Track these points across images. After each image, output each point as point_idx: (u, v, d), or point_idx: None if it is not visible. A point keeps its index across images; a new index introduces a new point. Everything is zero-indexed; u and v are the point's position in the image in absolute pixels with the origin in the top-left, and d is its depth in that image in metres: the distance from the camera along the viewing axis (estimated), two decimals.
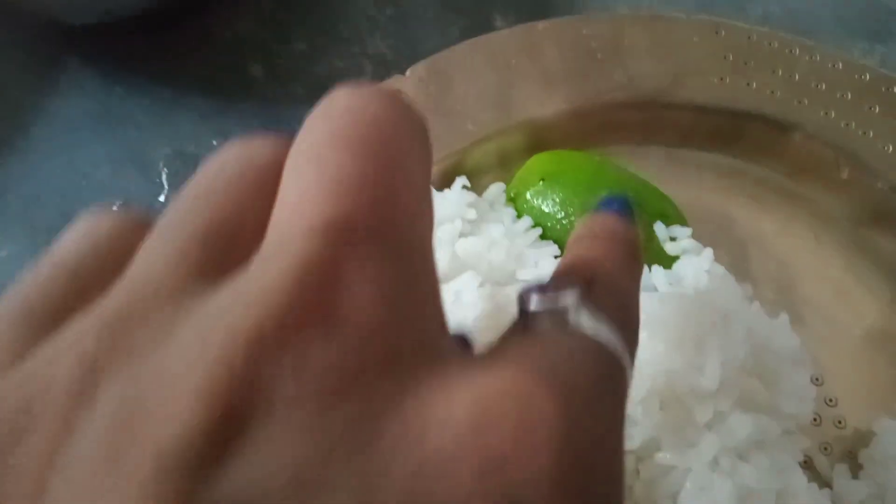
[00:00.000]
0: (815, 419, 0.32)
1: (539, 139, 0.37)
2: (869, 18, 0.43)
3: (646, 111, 0.37)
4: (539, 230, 0.32)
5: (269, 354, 0.10)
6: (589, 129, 0.37)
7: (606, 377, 0.13)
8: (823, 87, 0.37)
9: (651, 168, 0.37)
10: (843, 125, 0.36)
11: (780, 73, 0.37)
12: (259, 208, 0.13)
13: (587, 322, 0.14)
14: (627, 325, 0.15)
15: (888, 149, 0.36)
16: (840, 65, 0.37)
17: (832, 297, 0.35)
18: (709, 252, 0.32)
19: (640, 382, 0.28)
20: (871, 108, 0.36)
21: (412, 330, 0.11)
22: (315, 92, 0.43)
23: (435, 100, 0.37)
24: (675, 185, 0.37)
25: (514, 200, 0.34)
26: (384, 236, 0.11)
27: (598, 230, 0.18)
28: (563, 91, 0.37)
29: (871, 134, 0.36)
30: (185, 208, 0.13)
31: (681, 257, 0.33)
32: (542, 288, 0.15)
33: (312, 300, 0.10)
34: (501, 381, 0.11)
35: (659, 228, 0.32)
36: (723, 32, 0.37)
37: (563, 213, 0.32)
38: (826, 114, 0.36)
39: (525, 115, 0.37)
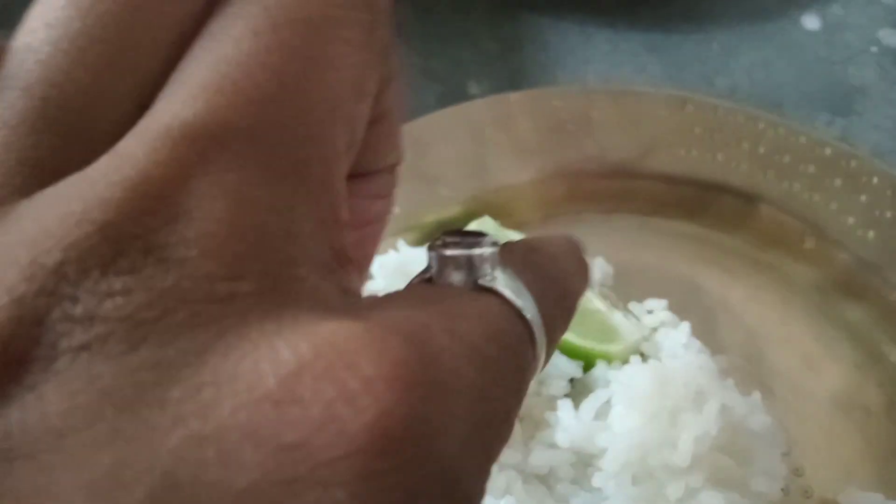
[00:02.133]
0: (782, 489, 0.32)
1: (507, 206, 0.38)
2: (831, 93, 0.45)
3: (616, 181, 0.38)
4: None
5: (64, 290, 0.08)
6: (560, 197, 0.38)
7: (507, 347, 0.12)
8: (787, 160, 0.38)
9: (622, 236, 0.38)
10: (806, 197, 0.37)
11: (746, 146, 0.38)
12: (142, 76, 0.10)
13: (502, 279, 0.12)
14: (550, 294, 0.13)
15: (850, 221, 0.37)
16: (803, 139, 0.38)
17: (799, 364, 0.35)
18: (686, 325, 0.32)
19: (615, 455, 0.28)
20: (833, 181, 0.37)
21: (267, 262, 0.09)
22: None
23: (411, 165, 0.37)
24: (643, 254, 0.38)
25: None
26: (263, 142, 0.10)
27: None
28: (535, 160, 0.38)
29: (834, 206, 0.37)
30: (35, 55, 0.10)
31: (658, 329, 0.33)
32: (457, 234, 0.13)
33: (132, 226, 0.09)
34: (344, 332, 0.09)
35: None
36: (690, 107, 0.39)
37: None
38: (790, 186, 0.38)
39: (497, 182, 0.38)
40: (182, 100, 0.10)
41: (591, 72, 0.45)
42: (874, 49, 0.47)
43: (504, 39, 0.46)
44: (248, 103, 0.10)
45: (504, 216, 0.37)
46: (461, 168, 0.38)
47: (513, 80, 0.45)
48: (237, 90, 0.10)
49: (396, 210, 0.37)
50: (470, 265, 0.12)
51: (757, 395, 0.29)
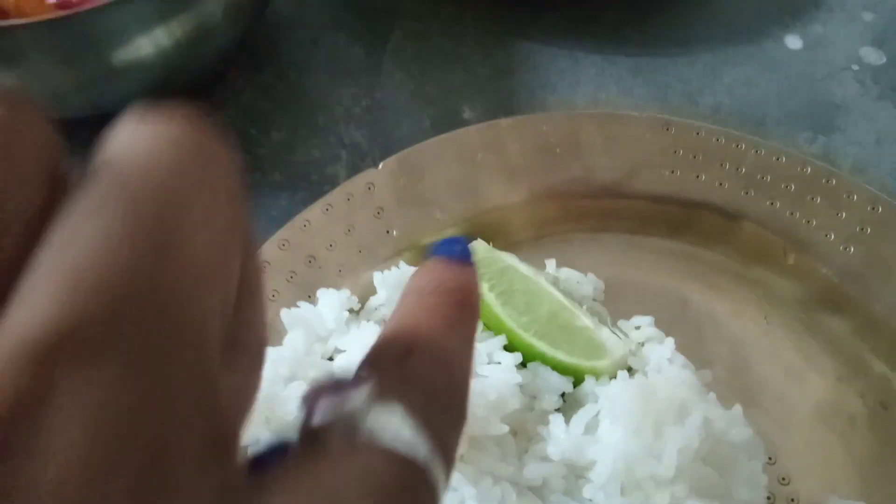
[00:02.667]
0: (769, 497, 0.33)
1: (500, 227, 0.39)
2: (813, 110, 0.47)
3: (603, 201, 0.40)
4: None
5: None
6: (550, 217, 0.39)
7: (400, 500, 0.11)
8: (769, 179, 0.39)
9: (610, 253, 0.39)
10: (787, 214, 0.39)
11: (728, 166, 0.39)
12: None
13: (383, 426, 0.12)
14: (442, 414, 0.13)
15: (830, 237, 0.38)
16: (784, 158, 0.39)
17: (783, 376, 0.36)
18: (670, 341, 0.34)
19: (602, 467, 0.29)
20: (813, 199, 0.39)
21: (133, 477, 0.09)
22: (292, 180, 0.45)
23: (406, 190, 0.39)
24: (631, 270, 0.39)
25: None
26: (123, 342, 0.09)
27: (424, 282, 0.16)
28: (524, 183, 0.39)
29: (814, 223, 0.38)
30: None
31: (644, 344, 0.35)
32: (331, 387, 0.13)
33: None
34: None
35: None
36: (673, 129, 0.40)
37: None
38: (771, 204, 0.39)
39: (489, 204, 0.39)
40: (33, 309, 0.09)
41: (579, 95, 0.47)
42: (855, 67, 0.49)
43: (496, 65, 0.48)
44: (103, 305, 0.09)
45: (497, 236, 0.39)
46: (455, 191, 0.39)
47: (504, 103, 0.46)
48: (90, 292, 0.09)
49: (395, 233, 0.39)
50: (344, 420, 0.12)
51: (738, 408, 0.30)
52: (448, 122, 0.45)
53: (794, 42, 0.50)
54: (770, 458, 0.34)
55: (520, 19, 0.50)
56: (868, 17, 0.51)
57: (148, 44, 0.38)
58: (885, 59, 0.49)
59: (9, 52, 0.36)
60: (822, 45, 0.50)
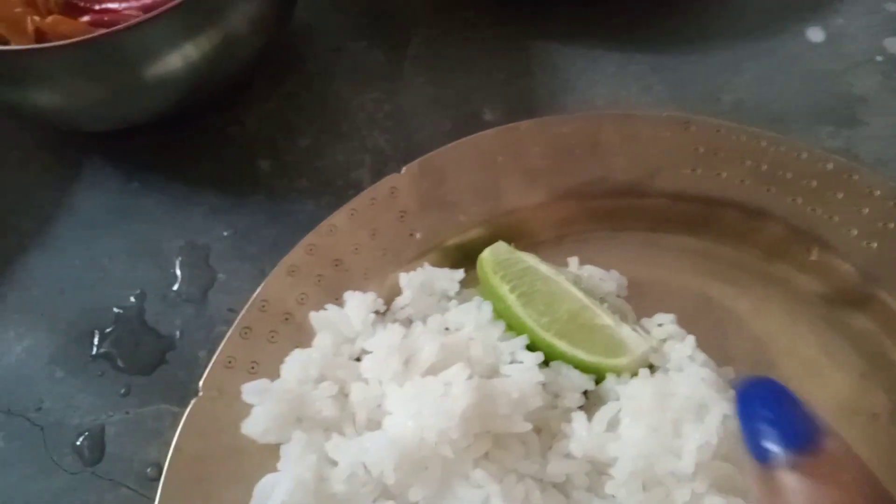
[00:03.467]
0: None
1: (521, 228, 0.40)
2: (835, 104, 0.46)
3: (622, 200, 0.40)
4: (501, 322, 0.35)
5: None
6: (568, 217, 0.40)
7: None
8: (790, 175, 0.39)
9: (629, 251, 0.40)
10: (809, 211, 0.39)
11: (749, 163, 0.40)
12: None
13: None
14: None
15: (853, 232, 0.38)
16: (805, 154, 0.39)
17: (806, 373, 0.36)
18: (691, 339, 0.34)
19: (624, 463, 0.30)
20: (835, 195, 0.39)
21: None
22: (317, 185, 0.47)
23: (429, 194, 0.40)
24: (653, 268, 0.39)
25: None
26: None
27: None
28: (545, 184, 0.40)
29: (837, 219, 0.38)
30: None
31: (666, 341, 0.35)
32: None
33: None
34: None
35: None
36: (693, 127, 0.40)
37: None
38: (793, 200, 0.39)
39: (510, 205, 0.40)
40: None
41: (598, 94, 0.47)
42: (879, 58, 0.48)
43: (514, 67, 0.49)
44: None
45: (518, 237, 0.40)
46: (476, 194, 0.40)
47: (524, 104, 0.47)
48: None
49: (418, 236, 0.40)
50: None
51: None
52: (469, 124, 0.46)
53: (815, 35, 0.50)
54: None
55: (536, 20, 0.51)
56: (892, 6, 0.50)
57: (177, 58, 0.39)
58: None
59: (48, 72, 0.37)
60: (844, 37, 0.49)
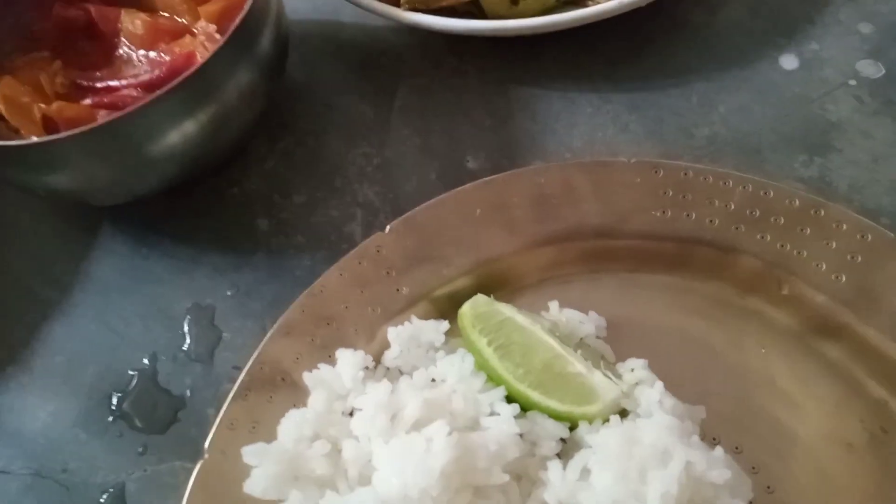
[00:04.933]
0: None
1: (504, 275, 0.42)
2: (809, 132, 0.47)
3: (598, 243, 0.42)
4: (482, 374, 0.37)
5: None
6: (548, 262, 0.42)
7: None
8: (758, 213, 0.41)
9: (608, 292, 0.42)
10: (779, 247, 0.40)
11: (717, 203, 0.41)
12: None
13: None
14: None
15: (821, 266, 0.39)
16: (771, 192, 0.41)
17: (782, 405, 0.38)
18: (659, 385, 0.36)
19: None
20: (802, 230, 0.40)
21: None
22: (313, 241, 0.50)
23: (413, 250, 0.42)
24: (631, 307, 0.41)
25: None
26: None
27: None
28: (523, 232, 0.42)
29: (805, 254, 0.40)
30: None
31: (637, 385, 0.37)
32: None
33: None
34: None
35: None
36: (661, 172, 0.42)
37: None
38: (762, 237, 0.40)
39: (492, 254, 0.42)
40: None
41: (576, 136, 0.49)
42: (852, 82, 0.49)
43: (496, 113, 0.51)
44: None
45: (502, 284, 0.42)
46: (458, 246, 0.42)
47: (506, 151, 0.49)
48: None
49: (405, 290, 0.42)
50: None
51: (719, 450, 0.32)
52: (453, 173, 0.48)
53: (789, 62, 0.51)
54: (769, 487, 0.36)
55: (517, 66, 0.53)
56: (865, 28, 0.51)
57: (176, 134, 0.42)
58: (883, 72, 0.49)
59: (59, 159, 0.41)
60: (817, 62, 0.50)
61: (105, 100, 0.46)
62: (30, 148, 0.40)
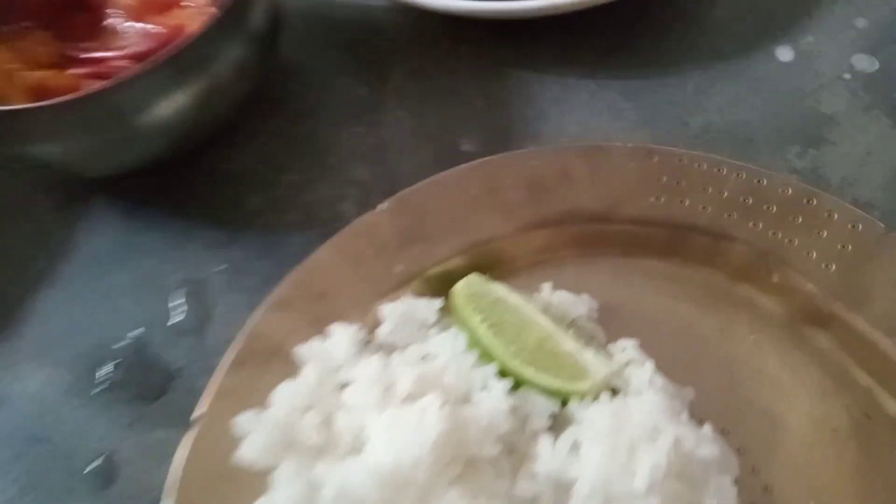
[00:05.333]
0: None
1: (497, 256, 0.42)
2: (803, 124, 0.48)
3: (592, 227, 0.42)
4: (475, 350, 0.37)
5: None
6: (542, 244, 0.42)
7: None
8: (750, 201, 0.41)
9: (601, 275, 0.42)
10: (770, 235, 0.41)
11: (711, 190, 0.41)
12: None
13: None
14: None
15: (812, 255, 0.40)
16: (765, 181, 0.41)
17: (770, 392, 0.38)
18: (649, 365, 0.36)
19: (583, 484, 0.32)
20: (794, 219, 0.40)
21: None
22: (306, 219, 0.50)
23: (407, 228, 0.42)
24: (623, 291, 0.42)
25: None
26: None
27: None
28: (517, 215, 0.42)
29: (796, 242, 0.40)
30: None
31: (627, 365, 0.37)
32: None
33: None
34: None
35: None
36: (656, 157, 0.42)
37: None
38: (754, 225, 0.41)
39: (486, 236, 0.42)
40: None
41: (571, 122, 0.49)
42: (847, 76, 0.50)
43: (491, 96, 0.51)
44: None
45: (495, 264, 0.42)
46: (453, 227, 0.42)
47: (501, 135, 0.49)
48: None
49: (398, 269, 0.42)
50: None
51: (708, 427, 0.32)
52: (448, 155, 0.48)
53: (784, 54, 0.51)
54: (754, 468, 0.36)
55: (512, 49, 0.53)
56: (861, 23, 0.52)
57: (168, 106, 0.42)
58: (877, 66, 0.50)
59: (47, 128, 0.40)
60: (813, 55, 0.51)
61: (94, 70, 0.45)
62: (15, 114, 0.39)
